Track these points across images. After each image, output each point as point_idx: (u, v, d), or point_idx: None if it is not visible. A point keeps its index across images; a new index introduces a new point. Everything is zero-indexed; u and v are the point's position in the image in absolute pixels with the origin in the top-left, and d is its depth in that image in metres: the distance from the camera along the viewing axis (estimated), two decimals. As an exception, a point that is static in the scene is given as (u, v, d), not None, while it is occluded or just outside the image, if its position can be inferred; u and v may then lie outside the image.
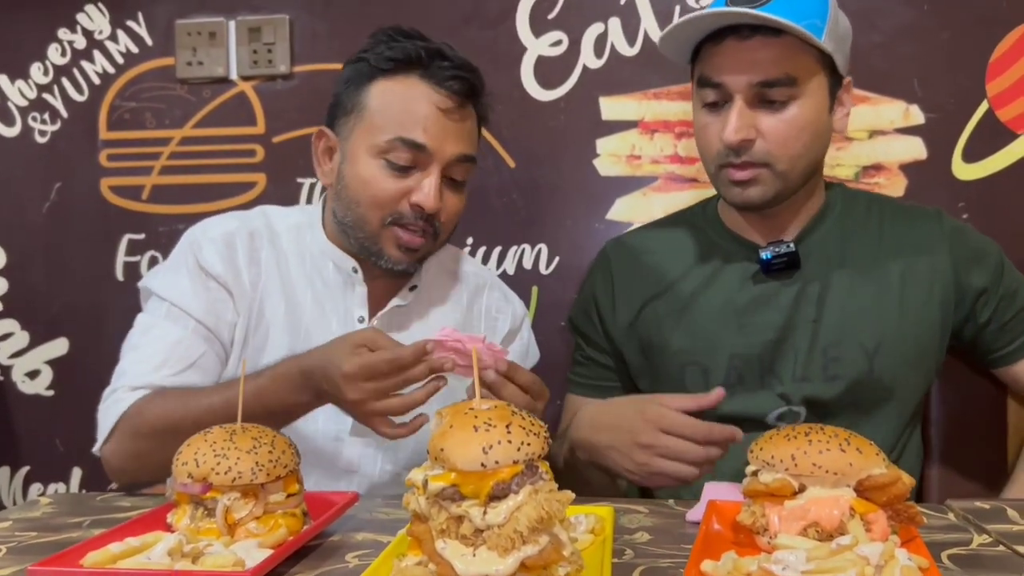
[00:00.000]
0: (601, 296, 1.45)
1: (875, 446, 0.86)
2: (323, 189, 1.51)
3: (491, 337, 1.43)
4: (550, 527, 0.73)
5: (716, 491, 1.05)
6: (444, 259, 1.47)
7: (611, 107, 1.79)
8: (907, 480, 0.85)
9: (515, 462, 0.71)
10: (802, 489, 0.84)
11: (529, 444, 0.72)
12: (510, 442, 0.72)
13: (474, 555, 0.71)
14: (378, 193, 1.28)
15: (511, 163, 1.83)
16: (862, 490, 0.83)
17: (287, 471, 0.93)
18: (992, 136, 1.69)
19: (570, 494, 0.75)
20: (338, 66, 1.75)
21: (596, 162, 1.80)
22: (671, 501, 1.13)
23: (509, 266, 1.82)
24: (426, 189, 1.27)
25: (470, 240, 1.84)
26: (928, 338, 1.34)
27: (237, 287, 1.34)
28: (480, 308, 1.48)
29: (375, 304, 1.38)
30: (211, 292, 1.33)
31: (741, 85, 1.23)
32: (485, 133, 1.81)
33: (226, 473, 0.89)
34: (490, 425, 0.72)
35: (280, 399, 1.15)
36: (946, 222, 1.38)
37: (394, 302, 1.38)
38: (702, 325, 1.35)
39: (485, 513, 0.71)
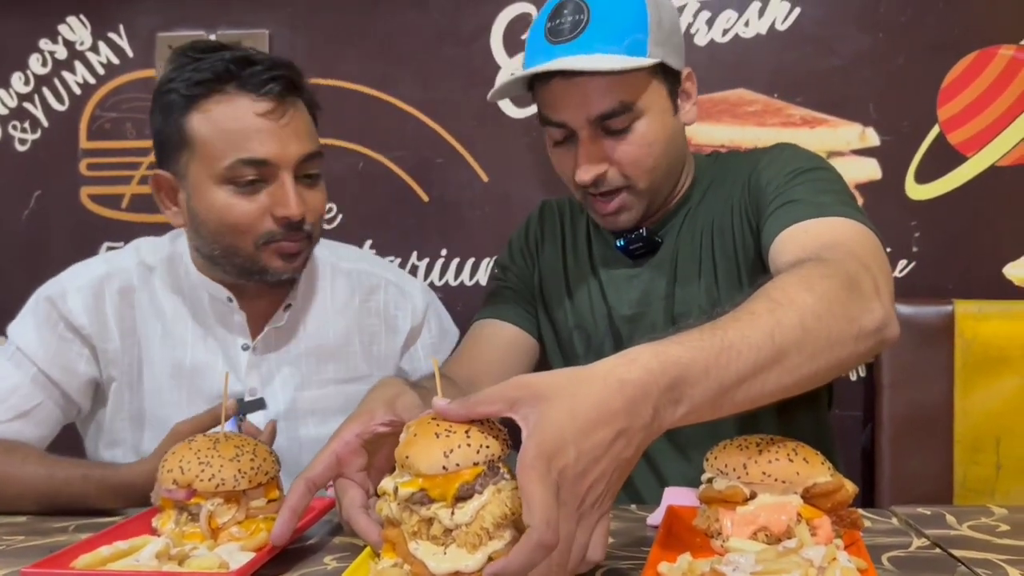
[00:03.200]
0: (529, 244, 1.47)
1: (821, 456, 0.91)
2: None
3: (392, 336, 1.44)
4: (514, 522, 0.77)
5: (675, 496, 1.10)
6: (329, 262, 1.45)
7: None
8: (850, 488, 0.90)
9: (475, 464, 0.75)
10: (753, 496, 0.89)
11: (488, 446, 0.76)
12: (469, 445, 0.76)
13: (445, 553, 0.75)
14: (238, 220, 1.24)
15: (484, 177, 1.87)
16: (808, 497, 0.88)
17: (268, 478, 0.97)
18: (943, 158, 1.76)
19: None
20: (318, 80, 1.82)
21: None
22: (633, 506, 1.18)
23: (482, 278, 1.87)
24: (285, 200, 1.23)
25: (444, 252, 1.88)
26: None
27: (103, 339, 1.33)
28: (376, 308, 1.45)
29: (257, 328, 1.37)
30: (64, 343, 1.31)
31: (580, 121, 1.21)
32: (460, 148, 1.88)
33: (210, 480, 0.93)
34: (450, 431, 0.76)
35: (83, 500, 1.16)
36: (777, 147, 1.31)
37: (270, 325, 1.36)
38: (577, 299, 1.39)
39: (453, 514, 0.75)
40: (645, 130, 1.22)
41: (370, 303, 1.45)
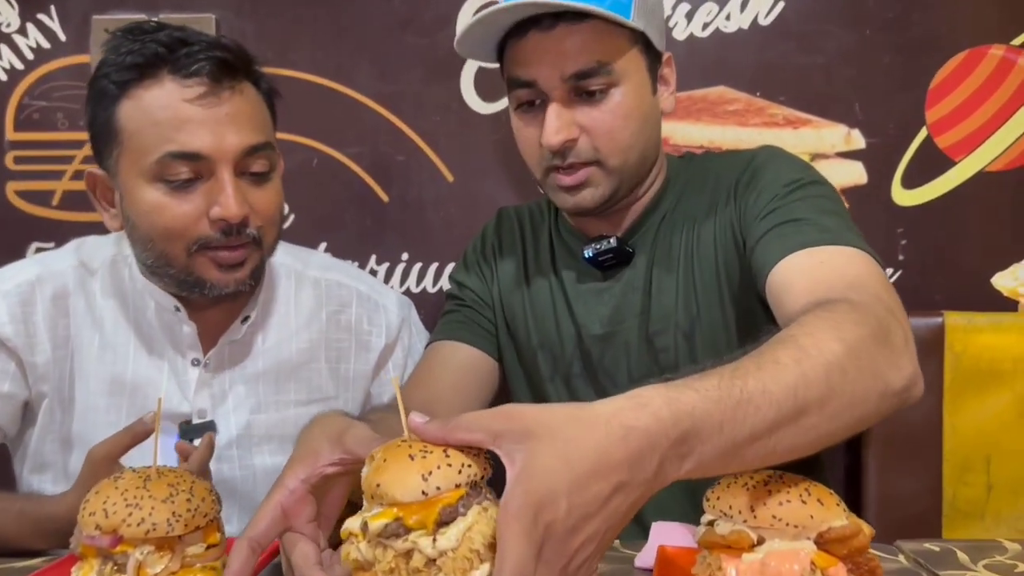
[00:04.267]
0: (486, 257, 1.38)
1: (835, 496, 0.82)
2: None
3: (363, 354, 1.32)
4: None
5: (665, 533, 1.01)
6: (293, 270, 1.32)
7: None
8: (868, 531, 0.82)
9: (458, 486, 0.67)
10: (760, 541, 0.80)
11: (470, 466, 0.68)
12: (450, 466, 0.67)
13: None
14: (169, 222, 1.10)
15: (449, 177, 1.76)
16: (822, 543, 0.80)
17: (207, 520, 0.85)
18: (931, 163, 1.69)
19: None
20: (268, 70, 1.69)
21: None
22: (617, 542, 1.08)
23: (447, 284, 1.76)
24: (222, 199, 1.09)
25: (405, 256, 1.77)
26: (746, 299, 1.18)
27: (31, 352, 1.19)
28: (346, 322, 1.32)
29: (210, 341, 1.23)
30: None
31: (554, 81, 1.13)
32: (423, 145, 1.76)
33: (139, 524, 0.81)
34: (426, 452, 0.68)
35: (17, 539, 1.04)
36: (763, 153, 1.22)
37: (225, 338, 1.23)
38: (541, 316, 1.30)
39: (435, 540, 0.66)
40: (621, 99, 1.15)
41: (340, 317, 1.32)
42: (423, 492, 0.66)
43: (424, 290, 1.78)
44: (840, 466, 1.66)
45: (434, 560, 0.66)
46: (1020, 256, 1.68)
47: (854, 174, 1.70)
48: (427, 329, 1.43)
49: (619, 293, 1.25)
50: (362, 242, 1.77)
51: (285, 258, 1.32)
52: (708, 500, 0.84)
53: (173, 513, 0.82)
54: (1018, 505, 1.52)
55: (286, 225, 1.79)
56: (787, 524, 0.78)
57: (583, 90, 1.14)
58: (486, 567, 0.66)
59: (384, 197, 1.77)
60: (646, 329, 1.24)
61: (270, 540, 0.78)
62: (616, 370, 1.26)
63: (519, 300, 1.32)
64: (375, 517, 0.68)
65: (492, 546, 0.66)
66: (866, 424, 0.79)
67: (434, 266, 1.77)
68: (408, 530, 0.67)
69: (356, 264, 1.75)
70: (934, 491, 1.54)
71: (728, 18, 1.71)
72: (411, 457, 0.68)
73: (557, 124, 1.14)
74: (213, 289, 1.14)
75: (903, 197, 1.70)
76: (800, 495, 0.80)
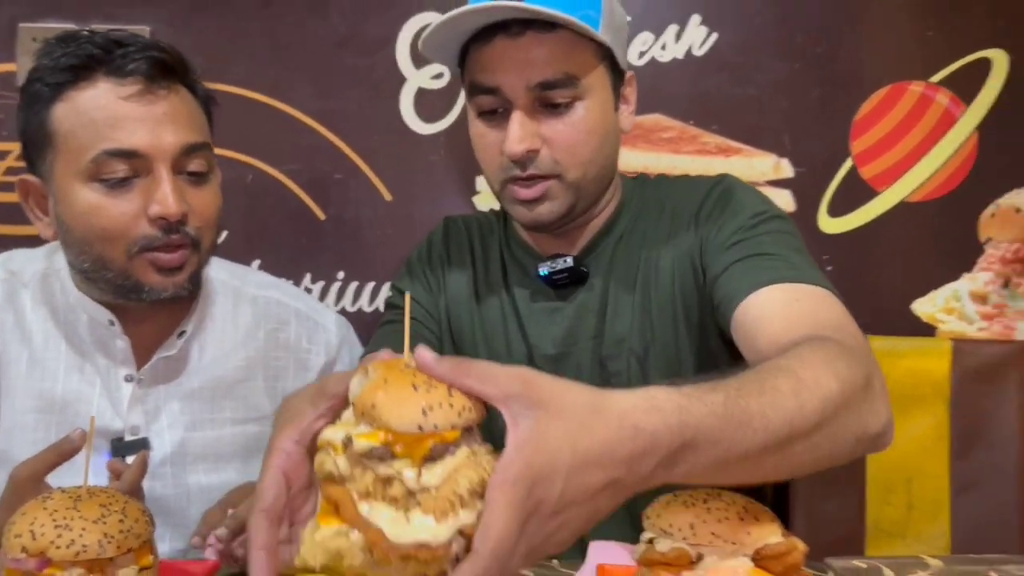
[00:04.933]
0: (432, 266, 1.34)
1: (771, 513, 0.84)
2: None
3: (301, 373, 1.29)
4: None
5: (603, 552, 1.01)
6: (231, 287, 1.29)
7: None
8: (802, 548, 0.83)
9: (454, 427, 0.64)
10: (699, 558, 0.82)
11: (470, 411, 0.65)
12: (451, 406, 0.64)
13: (407, 519, 0.63)
14: (107, 223, 1.08)
15: (387, 196, 1.76)
16: (758, 559, 0.81)
17: (140, 542, 0.83)
18: (855, 192, 1.75)
19: None
20: (219, 87, 1.66)
21: (476, 199, 1.76)
22: (555, 561, 1.08)
23: (383, 303, 1.74)
24: (160, 195, 1.07)
25: (341, 275, 1.75)
26: (703, 328, 1.17)
27: None
28: (285, 341, 1.29)
29: (144, 356, 1.20)
30: None
31: (519, 89, 1.11)
32: (361, 164, 1.75)
33: (68, 546, 0.78)
34: (430, 386, 0.65)
35: None
36: (723, 182, 1.21)
37: (159, 353, 1.20)
38: (491, 334, 1.28)
39: (420, 474, 0.63)
40: (585, 114, 1.13)
41: (278, 335, 1.29)
42: (419, 427, 0.63)
43: (360, 309, 1.76)
44: (768, 487, 1.69)
45: (413, 493, 0.63)
46: (938, 283, 1.75)
47: (783, 202, 1.75)
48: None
49: (573, 314, 1.24)
50: (297, 260, 1.75)
51: (222, 274, 1.29)
52: (648, 517, 0.85)
53: (105, 534, 0.80)
54: (937, 524, 1.57)
55: (219, 242, 1.76)
56: (725, 541, 0.80)
57: (548, 101, 1.12)
58: (465, 514, 0.63)
59: (320, 215, 1.76)
60: (599, 352, 1.23)
61: (279, 509, 0.72)
62: None
63: (468, 316, 1.30)
64: (362, 436, 0.64)
65: (474, 493, 0.63)
66: (837, 462, 0.80)
67: (370, 285, 1.76)
68: (394, 457, 0.64)
69: (291, 282, 1.72)
70: (858, 512, 1.58)
71: (664, 48, 1.75)
72: (415, 387, 0.64)
73: (520, 133, 1.12)
74: (151, 293, 1.12)
75: (829, 225, 1.75)
76: (738, 512, 0.82)
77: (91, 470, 0.86)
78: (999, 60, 1.72)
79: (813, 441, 0.75)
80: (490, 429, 0.68)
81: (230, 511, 0.98)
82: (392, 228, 1.75)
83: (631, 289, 1.22)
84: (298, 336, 1.30)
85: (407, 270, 1.37)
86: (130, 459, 1.06)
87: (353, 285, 1.76)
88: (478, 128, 1.18)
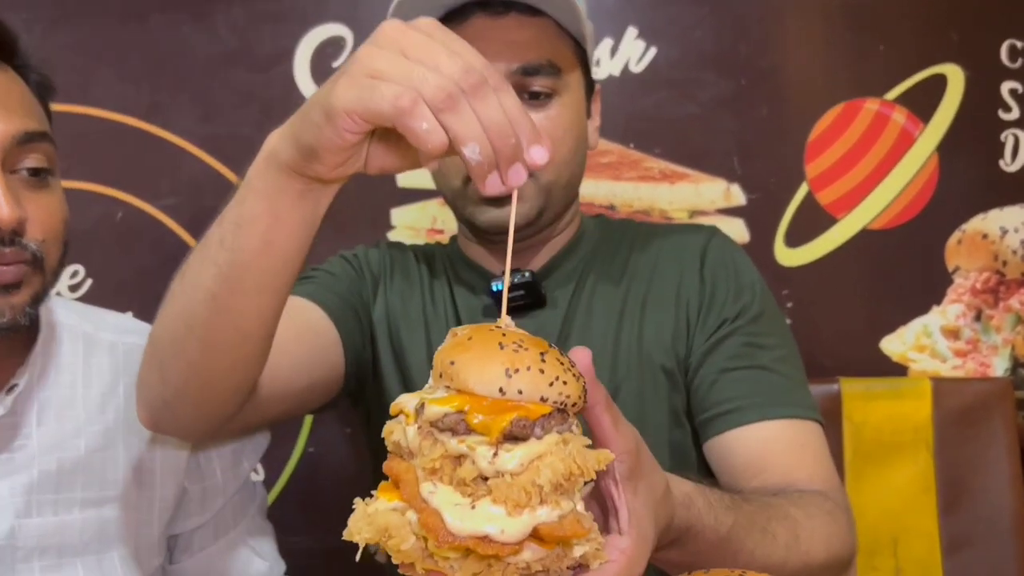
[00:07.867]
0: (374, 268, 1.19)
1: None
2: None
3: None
4: (575, 489, 0.57)
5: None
6: (80, 332, 1.04)
7: (409, 173, 1.53)
8: None
9: (543, 399, 0.56)
10: None
11: (565, 383, 0.57)
12: (542, 371, 0.56)
13: (473, 507, 0.55)
14: None
15: (285, 233, 1.52)
16: None
17: None
18: (813, 220, 1.60)
19: (609, 453, 0.59)
20: (63, 108, 1.42)
21: (391, 234, 1.56)
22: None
23: (280, 359, 1.50)
24: None
25: (232, 326, 1.50)
26: (671, 361, 1.10)
27: None
28: None
29: None
30: None
31: (499, 72, 1.00)
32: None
33: None
34: (520, 347, 0.57)
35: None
36: (717, 237, 1.17)
37: None
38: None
39: (496, 454, 0.55)
40: (562, 111, 1.05)
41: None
42: (501, 389, 0.55)
43: (254, 367, 1.51)
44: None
45: (485, 479, 0.55)
46: (907, 318, 1.60)
47: (736, 232, 1.58)
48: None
49: None
50: (178, 311, 1.50)
51: (69, 317, 1.03)
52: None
53: None
54: (929, 589, 1.39)
55: (81, 291, 1.49)
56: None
57: (526, 88, 1.03)
58: (544, 511, 0.55)
59: (206, 257, 1.51)
60: None
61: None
62: None
63: (417, 335, 1.14)
64: (436, 401, 0.57)
65: (559, 488, 0.56)
66: None
67: (269, 336, 1.51)
68: (469, 430, 0.56)
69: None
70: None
71: (598, 63, 1.58)
72: (501, 346, 0.57)
73: None
74: None
75: (787, 256, 1.60)
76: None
77: None
78: (955, 76, 1.60)
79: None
80: None
81: None
82: (294, 270, 1.52)
83: (600, 319, 1.10)
84: None
85: (355, 252, 1.21)
86: None
87: (246, 338, 1.50)
88: None
